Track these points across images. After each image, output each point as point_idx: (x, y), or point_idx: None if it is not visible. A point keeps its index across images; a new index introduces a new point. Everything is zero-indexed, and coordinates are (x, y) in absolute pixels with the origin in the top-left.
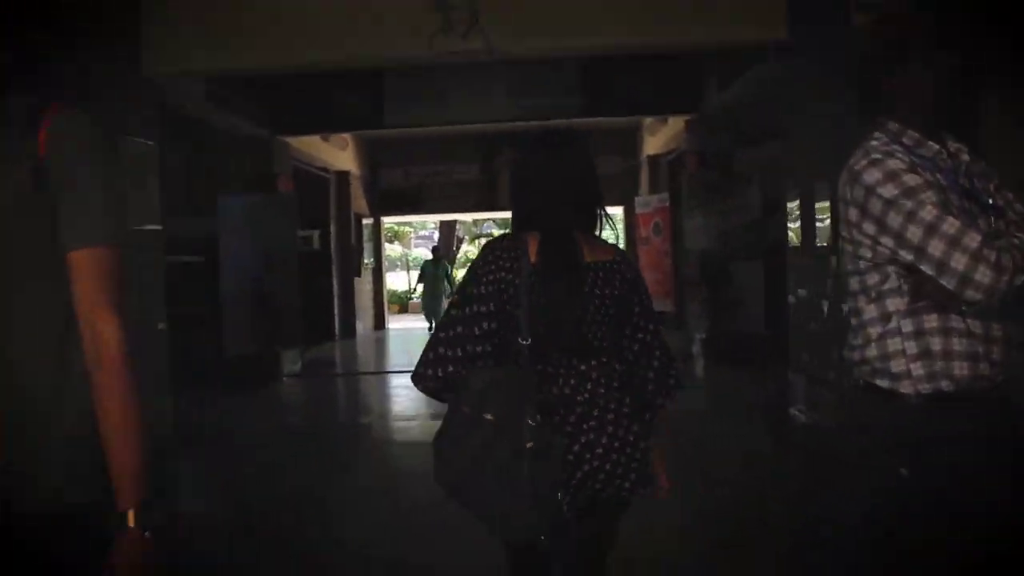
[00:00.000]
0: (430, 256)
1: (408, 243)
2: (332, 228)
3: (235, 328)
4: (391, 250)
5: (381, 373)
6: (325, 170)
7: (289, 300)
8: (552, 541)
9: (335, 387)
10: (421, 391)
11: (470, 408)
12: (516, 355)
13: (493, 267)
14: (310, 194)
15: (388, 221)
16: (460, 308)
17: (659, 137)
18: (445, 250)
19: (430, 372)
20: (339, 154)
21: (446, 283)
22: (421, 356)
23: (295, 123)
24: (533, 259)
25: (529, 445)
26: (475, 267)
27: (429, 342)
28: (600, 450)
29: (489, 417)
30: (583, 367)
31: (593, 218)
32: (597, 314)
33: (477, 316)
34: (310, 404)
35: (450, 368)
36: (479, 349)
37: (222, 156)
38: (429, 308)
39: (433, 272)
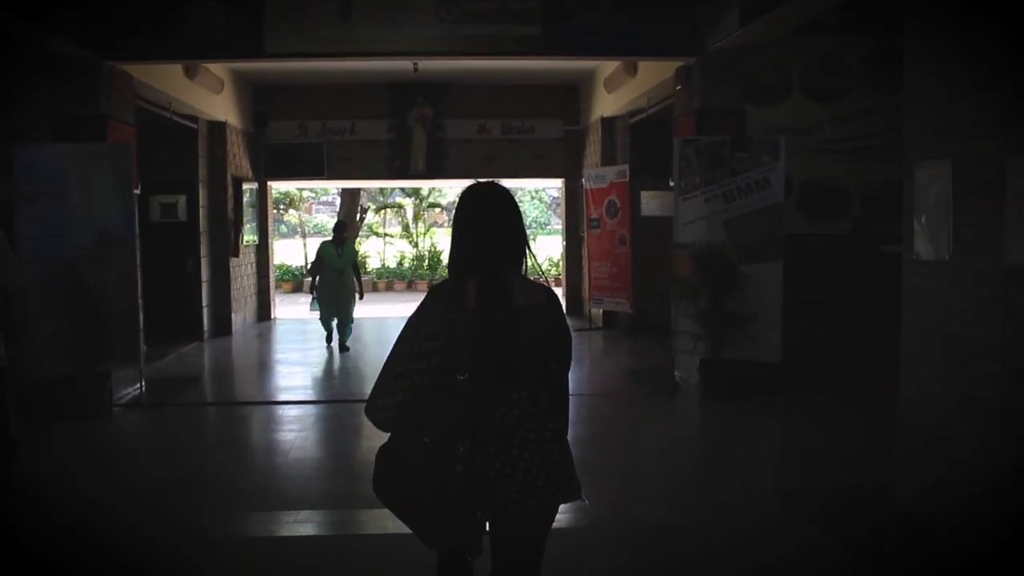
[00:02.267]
0: (331, 234)
1: (309, 210)
2: (201, 194)
3: (43, 337)
4: (287, 216)
5: (261, 404)
6: (192, 118)
7: (124, 292)
8: (477, 550)
9: (190, 424)
10: (372, 422)
11: (411, 431)
12: (455, 387)
13: (438, 309)
14: (171, 149)
15: (278, 187)
16: (408, 344)
17: (621, 93)
18: (350, 223)
19: (380, 403)
20: (211, 99)
21: (353, 277)
22: (373, 390)
23: (132, 45)
24: (471, 303)
25: (459, 468)
26: (423, 308)
27: (380, 375)
28: (525, 467)
29: (427, 440)
30: (514, 396)
31: (521, 261)
32: (526, 350)
33: (425, 353)
34: (137, 460)
35: (399, 398)
36: (425, 381)
37: (16, 88)
38: (329, 311)
39: (336, 259)
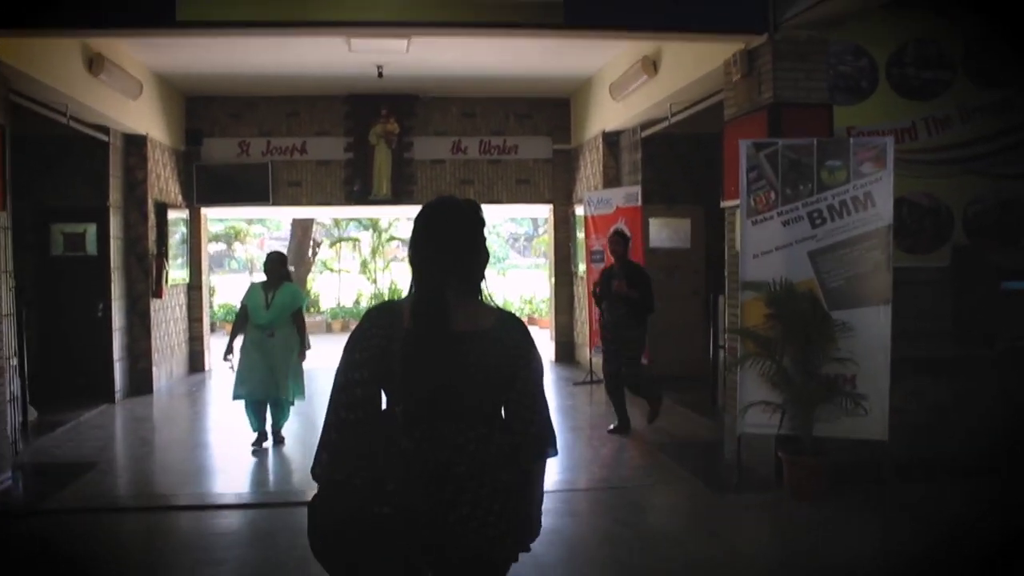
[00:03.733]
0: (264, 273)
1: (261, 245)
2: (115, 223)
3: None
4: (236, 251)
5: (173, 509)
6: (103, 129)
7: None
8: None
9: (60, 551)
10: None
11: (341, 475)
12: (391, 422)
13: (370, 333)
14: (78, 167)
15: (216, 216)
16: (341, 376)
17: (634, 100)
18: (298, 258)
19: (324, 458)
20: (127, 106)
21: (293, 333)
22: (318, 447)
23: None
24: (405, 324)
25: (386, 510)
26: (355, 332)
27: (324, 428)
28: (479, 522)
29: (357, 483)
30: (459, 439)
31: (471, 282)
32: (467, 382)
33: (350, 384)
34: None
35: (338, 457)
36: (351, 416)
37: None
38: (253, 391)
39: (261, 312)
